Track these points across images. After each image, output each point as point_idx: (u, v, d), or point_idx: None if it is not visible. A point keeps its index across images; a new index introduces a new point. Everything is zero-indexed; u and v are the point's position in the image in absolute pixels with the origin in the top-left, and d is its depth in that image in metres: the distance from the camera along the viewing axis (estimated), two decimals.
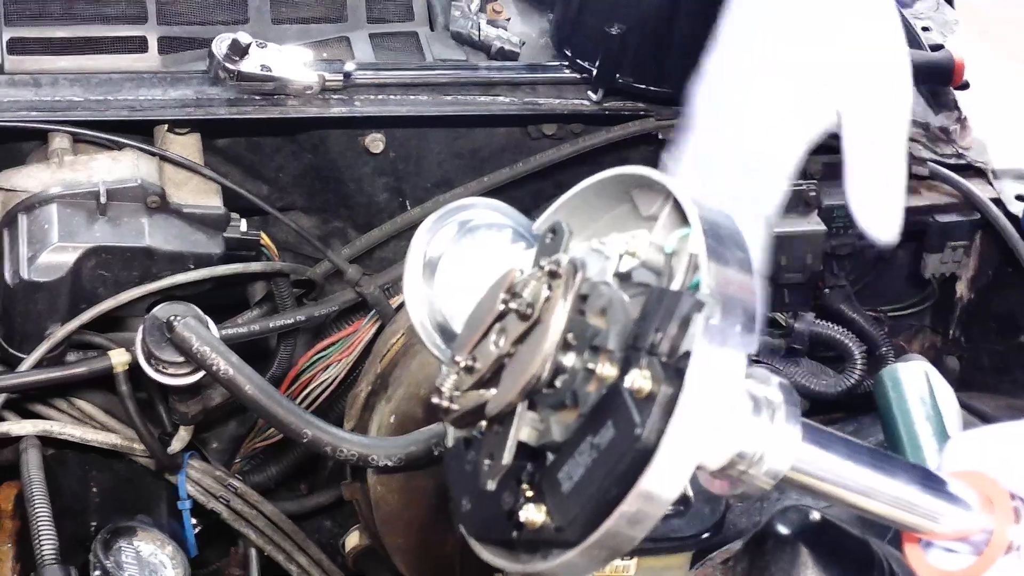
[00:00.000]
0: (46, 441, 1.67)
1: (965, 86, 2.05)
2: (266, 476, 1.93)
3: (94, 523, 1.70)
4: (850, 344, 1.87)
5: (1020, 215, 1.92)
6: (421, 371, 1.62)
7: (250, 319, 1.81)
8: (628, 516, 0.80)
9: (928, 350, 2.11)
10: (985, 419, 1.70)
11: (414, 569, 1.67)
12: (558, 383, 0.86)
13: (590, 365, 0.83)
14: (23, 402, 1.68)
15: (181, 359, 1.53)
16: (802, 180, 1.91)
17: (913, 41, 2.12)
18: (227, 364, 1.50)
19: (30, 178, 1.67)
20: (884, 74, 1.13)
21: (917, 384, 1.52)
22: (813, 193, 1.87)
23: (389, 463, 1.53)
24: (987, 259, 2.00)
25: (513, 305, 0.89)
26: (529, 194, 1.94)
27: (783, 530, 1.27)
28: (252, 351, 1.63)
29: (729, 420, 0.85)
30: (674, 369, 0.79)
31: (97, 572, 1.57)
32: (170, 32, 1.81)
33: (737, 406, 0.86)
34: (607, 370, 0.82)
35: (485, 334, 0.91)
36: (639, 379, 0.79)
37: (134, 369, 1.60)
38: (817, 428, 0.91)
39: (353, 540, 1.84)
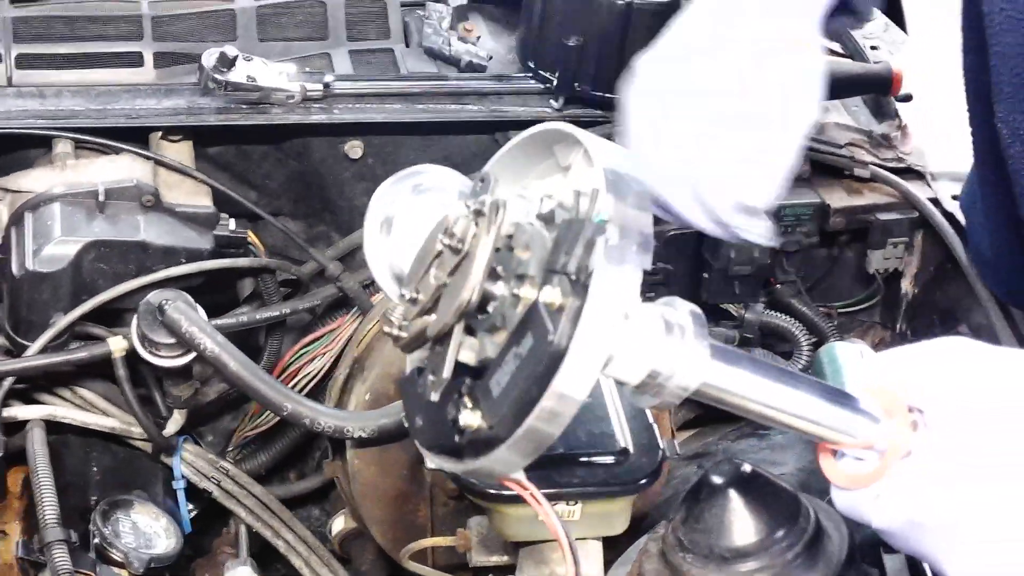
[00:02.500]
0: (51, 428, 1.79)
1: (908, 98, 2.18)
2: (256, 463, 2.04)
3: (95, 498, 1.82)
4: (797, 332, 2.00)
5: (955, 212, 2.04)
6: (393, 353, 1.73)
7: (239, 312, 1.94)
8: (547, 411, 0.93)
9: (878, 345, 2.22)
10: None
11: (390, 538, 1.78)
12: (490, 309, 1.00)
13: (515, 291, 0.97)
14: (30, 391, 1.80)
15: (173, 341, 1.65)
16: None
17: (860, 57, 2.26)
18: (213, 343, 1.63)
19: (35, 180, 1.80)
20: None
21: (852, 361, 1.63)
22: None
23: (363, 434, 1.65)
24: (928, 256, 2.12)
25: (447, 242, 1.03)
26: None
27: (716, 480, 1.37)
28: (243, 347, 1.72)
29: (642, 339, 0.98)
30: (581, 284, 0.93)
31: (96, 540, 1.69)
32: (164, 48, 1.94)
33: (650, 327, 0.99)
34: (528, 292, 0.96)
35: (427, 270, 1.06)
36: (551, 295, 0.94)
37: (131, 358, 1.73)
38: (727, 348, 1.05)
39: (339, 524, 1.93)
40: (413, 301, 1.07)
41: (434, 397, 1.02)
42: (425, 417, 1.06)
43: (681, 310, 1.02)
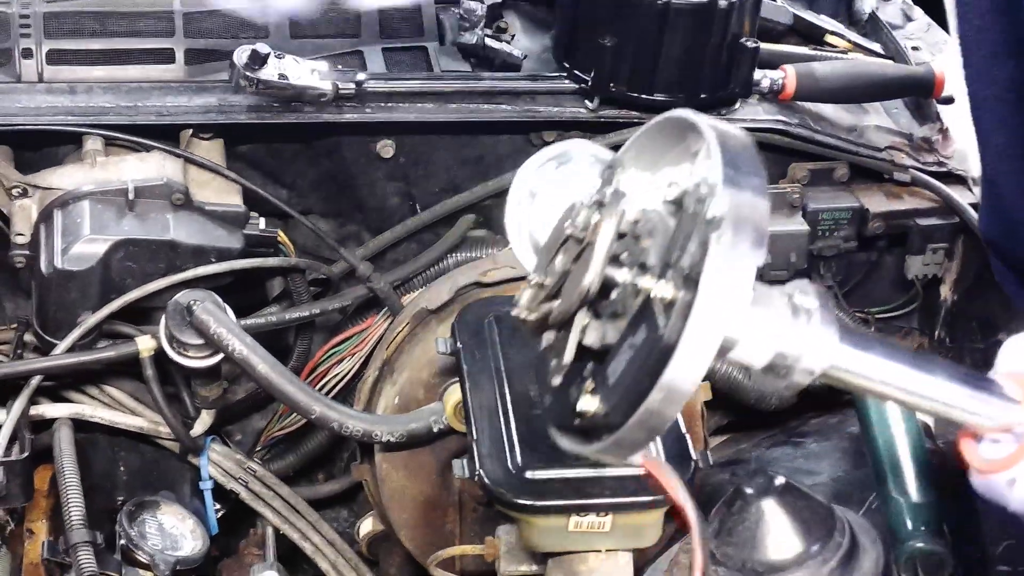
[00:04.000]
0: (79, 426, 1.79)
1: (950, 100, 2.14)
2: (285, 464, 2.04)
3: (121, 498, 1.81)
4: None
5: None
6: (423, 356, 1.72)
7: (268, 312, 1.93)
8: (656, 403, 0.95)
9: (917, 350, 2.20)
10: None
11: (418, 543, 1.76)
12: (614, 296, 1.03)
13: (636, 280, 1.00)
14: (58, 389, 1.79)
15: (201, 342, 1.65)
16: (787, 184, 2.02)
17: (901, 58, 2.23)
18: (242, 345, 1.62)
19: (65, 177, 1.79)
20: None
21: None
22: (796, 195, 1.98)
23: (391, 439, 1.64)
24: (968, 262, 2.09)
25: (571, 231, 1.07)
26: None
27: (750, 491, 1.36)
28: (272, 347, 1.72)
29: (768, 323, 1.00)
30: (692, 281, 0.94)
31: (122, 540, 1.69)
32: (196, 45, 1.93)
33: (776, 311, 1.00)
34: (646, 283, 0.99)
35: (553, 256, 1.09)
36: (664, 289, 0.96)
37: (159, 357, 1.72)
38: (857, 331, 1.07)
39: (367, 526, 1.92)
40: (540, 286, 1.10)
41: (556, 381, 1.08)
42: (552, 398, 1.11)
43: (809, 293, 1.02)
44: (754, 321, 0.99)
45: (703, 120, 1.02)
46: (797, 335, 1.00)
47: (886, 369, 1.05)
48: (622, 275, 1.02)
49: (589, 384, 1.04)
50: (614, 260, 1.02)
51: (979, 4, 1.45)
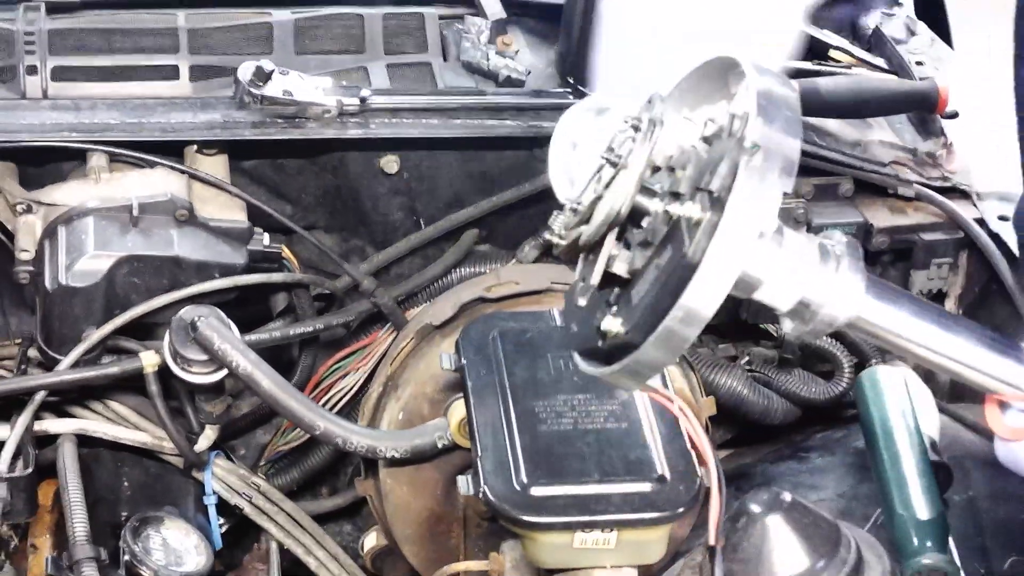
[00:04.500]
0: (83, 441, 1.78)
1: (954, 115, 2.14)
2: (288, 479, 2.04)
3: (125, 513, 1.81)
4: (838, 354, 1.97)
5: (1002, 233, 2.00)
6: (427, 372, 1.72)
7: (272, 328, 1.93)
8: (676, 320, 0.95)
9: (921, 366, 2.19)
10: (975, 429, 1.77)
11: (422, 558, 1.76)
12: (645, 224, 1.03)
13: (667, 207, 1.01)
14: (62, 404, 1.79)
15: (205, 358, 1.64)
16: (792, 199, 2.02)
17: (905, 73, 2.23)
18: (246, 361, 1.62)
19: (69, 193, 1.79)
20: None
21: (895, 385, 1.60)
22: (801, 211, 1.98)
23: (396, 454, 1.64)
24: (973, 277, 2.08)
25: (607, 156, 1.07)
26: (536, 213, 2.05)
27: (755, 508, 1.36)
28: (276, 362, 1.72)
29: (795, 266, 1.00)
30: (720, 202, 0.95)
31: (126, 556, 1.68)
32: (200, 61, 1.93)
33: (804, 254, 1.01)
34: (677, 208, 0.99)
35: (588, 183, 1.10)
36: (692, 210, 0.97)
37: (164, 373, 1.71)
38: (885, 283, 1.05)
39: (371, 541, 1.92)
40: (574, 211, 1.10)
41: (582, 302, 1.08)
42: (578, 323, 1.10)
43: (838, 241, 1.03)
44: (780, 262, 1.00)
45: (744, 57, 1.03)
46: (823, 281, 1.01)
47: (912, 325, 1.05)
48: (654, 204, 1.03)
49: (614, 307, 1.04)
50: (647, 191, 1.03)
51: None
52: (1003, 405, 1.11)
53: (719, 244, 0.93)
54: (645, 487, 1.39)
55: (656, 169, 1.04)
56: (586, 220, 1.08)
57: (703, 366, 1.93)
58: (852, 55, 2.27)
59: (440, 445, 1.63)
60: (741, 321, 1.95)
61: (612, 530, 1.38)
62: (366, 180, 2.02)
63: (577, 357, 1.08)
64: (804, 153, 1.99)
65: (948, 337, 1.06)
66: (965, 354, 1.06)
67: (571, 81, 1.99)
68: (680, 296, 0.94)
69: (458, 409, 1.59)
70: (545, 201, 2.04)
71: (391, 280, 2.04)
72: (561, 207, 1.11)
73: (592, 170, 1.12)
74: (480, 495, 1.39)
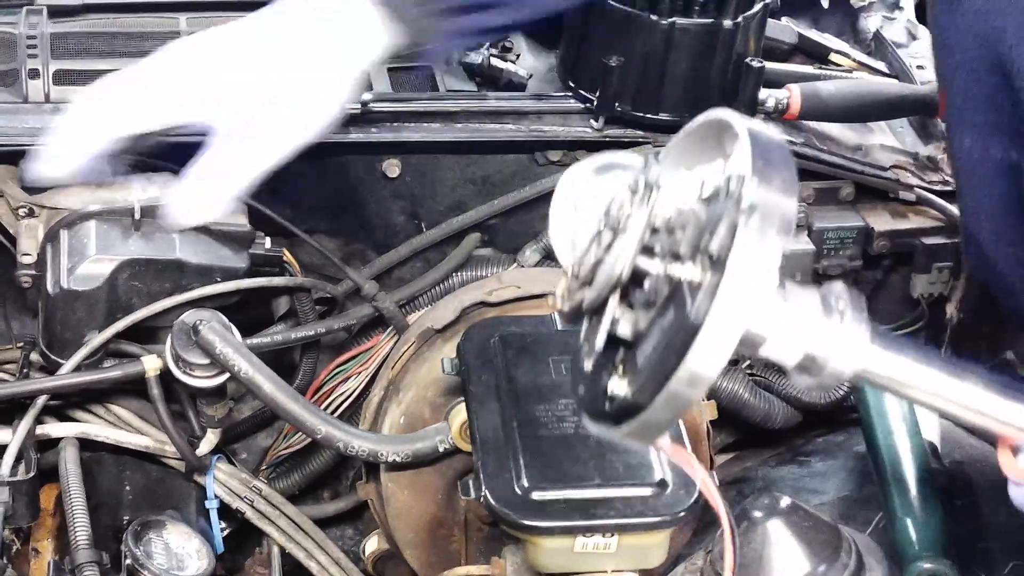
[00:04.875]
0: (85, 445, 1.78)
1: None
2: (290, 483, 2.04)
3: (127, 517, 1.81)
4: None
5: None
6: (429, 376, 1.73)
7: (273, 331, 1.93)
8: (682, 383, 0.96)
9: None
10: (976, 434, 1.78)
11: (423, 562, 1.76)
12: (646, 285, 1.04)
13: (668, 269, 1.02)
14: (64, 408, 1.79)
15: (207, 362, 1.65)
16: None
17: (906, 77, 2.24)
18: (247, 364, 1.62)
19: (71, 197, 1.79)
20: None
21: None
22: (802, 215, 1.98)
23: (397, 458, 1.65)
24: (974, 281, 2.09)
25: (606, 221, 1.09)
26: (539, 217, 2.06)
27: (756, 513, 1.36)
28: (278, 366, 1.72)
29: (798, 321, 1.01)
30: (720, 263, 0.95)
31: (128, 560, 1.68)
32: None
33: (807, 309, 1.01)
34: (678, 270, 1.00)
35: (588, 247, 1.11)
36: (692, 272, 0.98)
37: (165, 377, 1.72)
38: (890, 334, 1.06)
39: (372, 545, 1.92)
40: (575, 276, 1.12)
41: (587, 366, 1.09)
42: (585, 386, 1.11)
43: (840, 293, 1.03)
44: (784, 317, 1.00)
45: (736, 117, 1.03)
46: (828, 333, 1.01)
47: (919, 374, 1.05)
48: (654, 265, 1.04)
49: (620, 369, 1.06)
50: (647, 251, 1.04)
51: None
52: (1016, 449, 1.12)
53: (721, 306, 0.94)
54: (646, 492, 1.39)
55: (655, 230, 1.05)
56: (588, 283, 1.09)
57: None
58: (853, 59, 2.27)
59: (441, 449, 1.64)
60: None
61: (613, 535, 1.38)
62: (367, 184, 2.02)
63: (586, 419, 1.10)
64: (805, 157, 2.01)
65: (957, 384, 1.06)
66: (975, 400, 1.07)
67: (572, 85, 1.99)
68: (684, 358, 0.95)
69: (459, 413, 1.59)
70: (546, 205, 2.04)
71: (392, 284, 2.05)
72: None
73: (592, 232, 1.14)
74: (481, 499, 1.40)
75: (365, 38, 1.50)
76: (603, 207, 1.14)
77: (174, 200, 1.44)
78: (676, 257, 1.01)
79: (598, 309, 1.08)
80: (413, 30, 1.50)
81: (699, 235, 1.00)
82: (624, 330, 1.06)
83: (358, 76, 1.52)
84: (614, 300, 1.06)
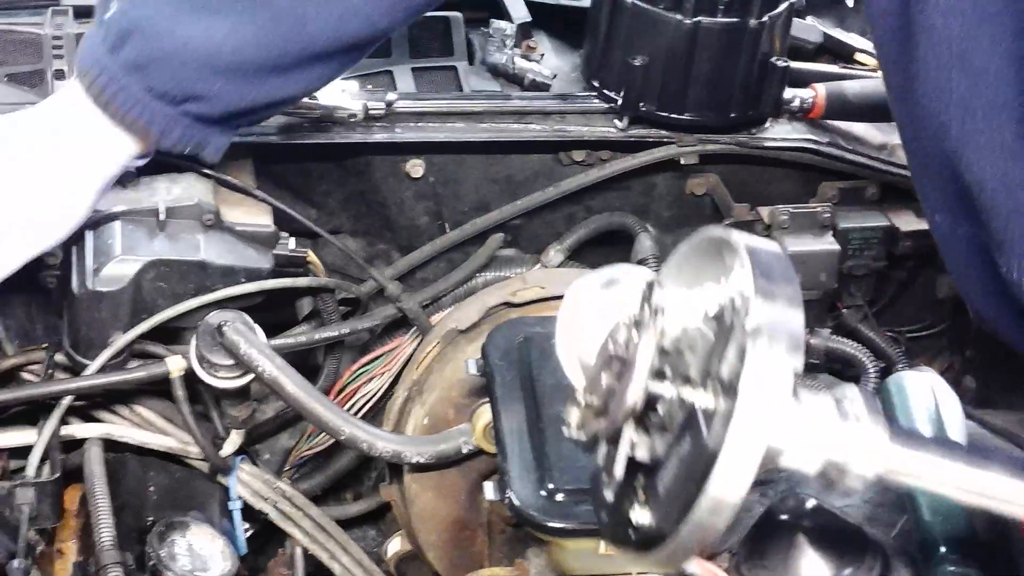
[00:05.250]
0: (109, 446, 1.78)
1: None
2: (313, 484, 2.04)
3: (150, 518, 1.81)
4: (863, 358, 1.96)
5: None
6: (453, 376, 1.73)
7: (297, 332, 1.93)
8: (704, 511, 0.95)
9: (948, 370, 2.19)
10: (997, 432, 1.77)
11: (446, 564, 1.76)
12: (660, 409, 1.04)
13: (681, 393, 1.02)
14: (88, 409, 1.79)
15: (231, 362, 1.65)
16: (817, 203, 2.01)
17: None
18: (271, 365, 1.62)
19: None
20: None
21: (921, 392, 1.59)
22: (827, 215, 1.98)
23: (420, 460, 1.64)
24: None
25: (613, 350, 1.09)
26: (561, 217, 2.06)
27: (781, 516, 1.36)
28: (301, 366, 1.72)
29: (814, 428, 1.00)
30: (732, 389, 0.95)
31: (152, 562, 1.69)
32: None
33: (822, 415, 1.00)
34: (690, 395, 1.00)
35: (598, 375, 1.11)
36: (706, 399, 0.98)
37: (189, 377, 1.72)
38: (908, 430, 1.08)
39: (395, 546, 1.92)
40: (588, 405, 1.12)
41: (609, 497, 1.09)
42: (607, 514, 1.12)
43: (854, 397, 1.02)
44: (800, 428, 0.99)
45: (735, 235, 1.03)
46: (846, 440, 1.01)
47: (941, 468, 1.05)
48: (666, 389, 1.04)
49: (642, 496, 1.05)
50: (657, 375, 1.04)
51: None
52: None
53: (736, 432, 0.93)
54: None
55: (664, 351, 1.05)
56: (602, 413, 1.10)
57: None
58: None
59: (465, 450, 1.63)
60: None
61: None
62: (391, 184, 2.02)
63: (613, 547, 1.11)
64: (830, 156, 2.00)
65: (980, 474, 1.05)
66: (1001, 488, 1.06)
67: (596, 85, 1.99)
68: (705, 486, 0.94)
69: (483, 414, 1.59)
70: (571, 204, 2.05)
71: (416, 284, 2.05)
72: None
73: (599, 351, 1.14)
74: (505, 501, 1.39)
75: (95, 151, 1.59)
76: (609, 328, 1.14)
77: None
78: (687, 380, 1.01)
79: (615, 438, 1.08)
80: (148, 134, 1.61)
81: (708, 359, 1.00)
82: (642, 455, 1.06)
83: (98, 186, 1.63)
84: (629, 428, 1.06)
